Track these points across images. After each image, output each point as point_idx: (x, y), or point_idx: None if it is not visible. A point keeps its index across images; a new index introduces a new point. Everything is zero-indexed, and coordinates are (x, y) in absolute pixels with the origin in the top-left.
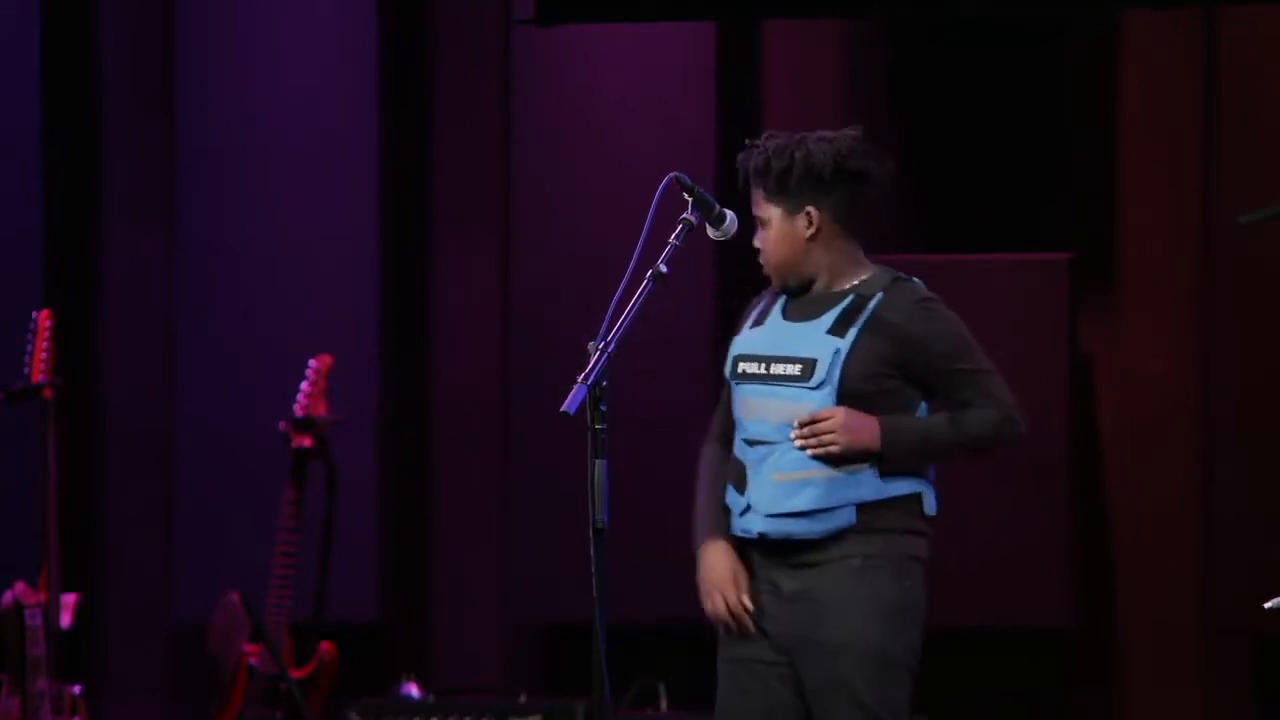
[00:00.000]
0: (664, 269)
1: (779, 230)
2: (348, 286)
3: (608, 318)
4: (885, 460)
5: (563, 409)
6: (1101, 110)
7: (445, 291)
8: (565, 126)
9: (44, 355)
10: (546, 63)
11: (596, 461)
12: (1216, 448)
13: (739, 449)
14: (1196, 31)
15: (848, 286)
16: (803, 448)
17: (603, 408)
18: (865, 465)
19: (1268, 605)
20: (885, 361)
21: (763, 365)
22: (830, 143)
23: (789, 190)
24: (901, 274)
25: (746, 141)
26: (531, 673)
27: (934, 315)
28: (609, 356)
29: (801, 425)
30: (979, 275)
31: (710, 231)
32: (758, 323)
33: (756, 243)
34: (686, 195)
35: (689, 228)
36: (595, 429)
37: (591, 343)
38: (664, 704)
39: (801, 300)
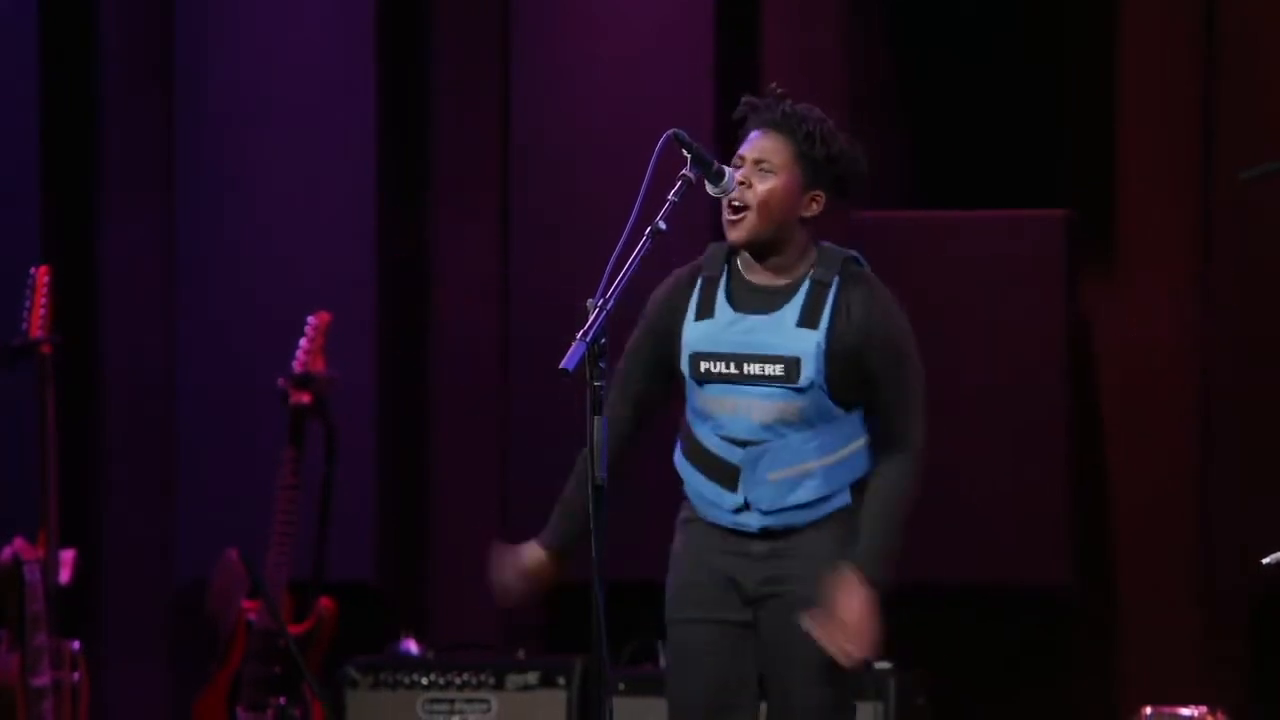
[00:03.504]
0: (662, 225)
1: (786, 189)
2: (347, 250)
3: (606, 275)
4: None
5: (561, 366)
6: (1099, 65)
7: (444, 251)
8: (564, 89)
9: (42, 311)
10: (545, 24)
11: (595, 418)
12: (1216, 410)
13: (715, 444)
14: None
15: (800, 273)
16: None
17: (602, 364)
18: (852, 446)
19: (1266, 560)
20: (854, 353)
21: (732, 365)
22: (853, 150)
23: (816, 166)
24: (848, 253)
25: (775, 87)
26: (530, 630)
27: (890, 313)
28: (608, 313)
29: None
30: (975, 231)
31: (709, 188)
32: (704, 314)
33: (740, 177)
34: (685, 152)
35: (687, 184)
36: (594, 386)
37: (590, 300)
38: (662, 661)
39: (747, 288)
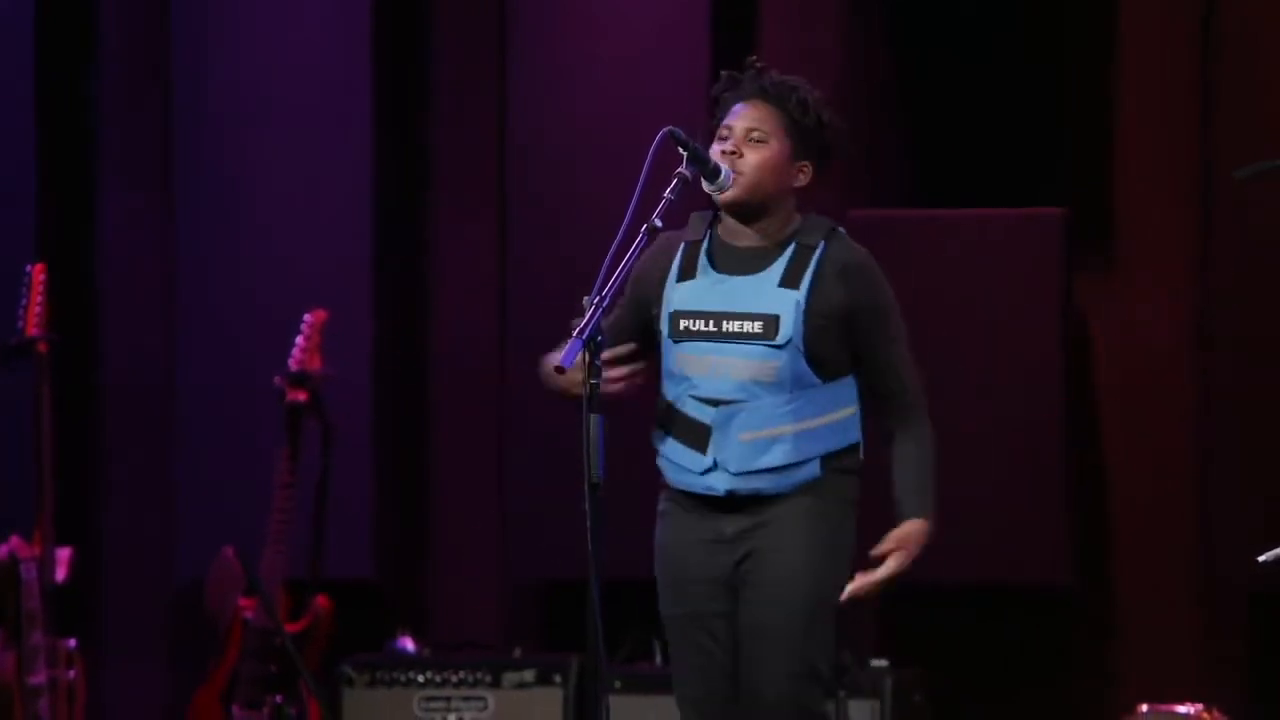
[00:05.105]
0: (658, 223)
1: (777, 159)
2: (345, 247)
3: (602, 271)
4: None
5: (558, 363)
6: (1099, 65)
7: (442, 250)
8: (563, 89)
9: (38, 309)
10: (544, 23)
11: (592, 416)
12: (1216, 410)
13: (688, 405)
14: None
15: (784, 236)
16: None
17: (597, 362)
18: (827, 418)
19: (1262, 558)
20: (835, 316)
21: (711, 322)
22: (837, 118)
23: (805, 134)
24: (831, 222)
25: (754, 60)
26: (527, 628)
27: (875, 275)
28: (604, 311)
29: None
30: (973, 230)
31: (705, 185)
32: (686, 275)
33: (728, 148)
34: (681, 150)
35: (683, 182)
36: (590, 383)
37: (586, 297)
38: (658, 658)
39: (730, 251)
